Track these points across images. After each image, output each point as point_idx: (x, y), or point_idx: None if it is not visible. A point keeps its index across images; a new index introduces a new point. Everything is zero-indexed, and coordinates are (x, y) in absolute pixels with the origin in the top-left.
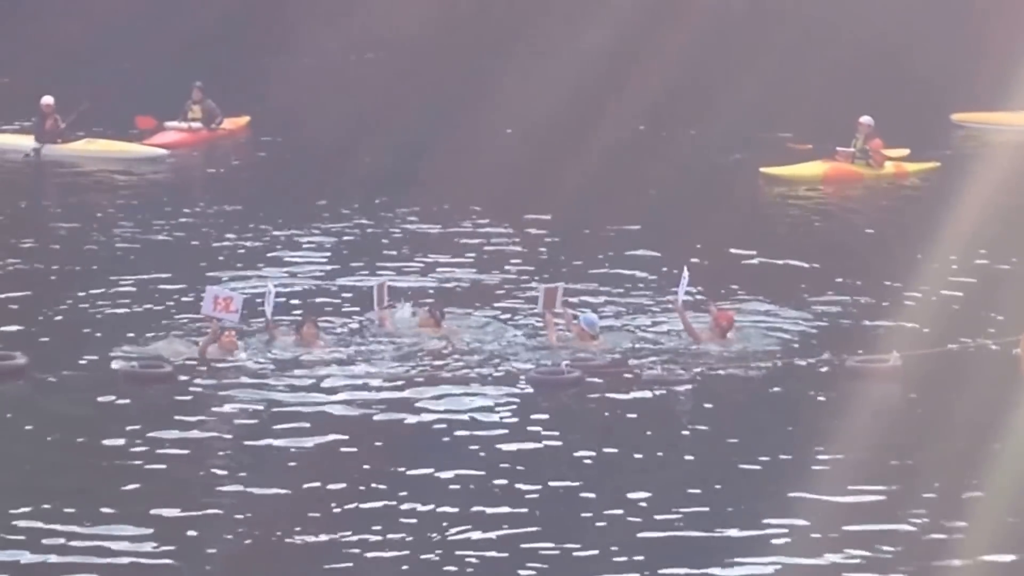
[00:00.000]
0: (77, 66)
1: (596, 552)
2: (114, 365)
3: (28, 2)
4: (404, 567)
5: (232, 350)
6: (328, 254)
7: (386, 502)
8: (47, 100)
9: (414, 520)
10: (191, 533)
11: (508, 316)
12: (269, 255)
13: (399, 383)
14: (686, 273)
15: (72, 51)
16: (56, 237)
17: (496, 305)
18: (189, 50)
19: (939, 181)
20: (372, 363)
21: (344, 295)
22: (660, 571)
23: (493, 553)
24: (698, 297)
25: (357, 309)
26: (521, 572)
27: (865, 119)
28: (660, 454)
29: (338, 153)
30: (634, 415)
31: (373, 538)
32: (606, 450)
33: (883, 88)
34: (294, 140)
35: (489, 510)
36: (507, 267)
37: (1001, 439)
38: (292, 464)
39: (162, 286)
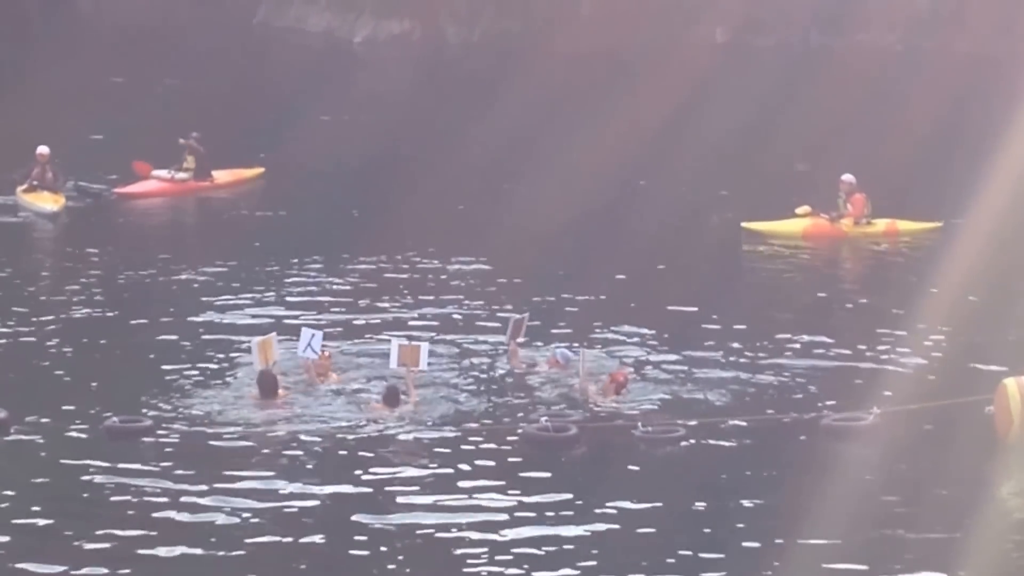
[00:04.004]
0: (101, 116)
1: None
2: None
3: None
4: None
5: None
6: (297, 302)
7: (374, 561)
8: (43, 150)
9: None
10: None
11: (495, 361)
12: (243, 305)
13: (377, 434)
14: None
15: (98, 101)
16: (32, 288)
17: (480, 348)
18: (201, 105)
19: (931, 241)
20: (350, 413)
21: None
22: None
23: None
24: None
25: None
26: None
27: (846, 177)
28: (631, 511)
29: (324, 207)
30: (616, 472)
31: None
32: (588, 508)
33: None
34: (285, 193)
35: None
36: (488, 315)
37: (978, 497)
38: (271, 519)
39: (140, 339)
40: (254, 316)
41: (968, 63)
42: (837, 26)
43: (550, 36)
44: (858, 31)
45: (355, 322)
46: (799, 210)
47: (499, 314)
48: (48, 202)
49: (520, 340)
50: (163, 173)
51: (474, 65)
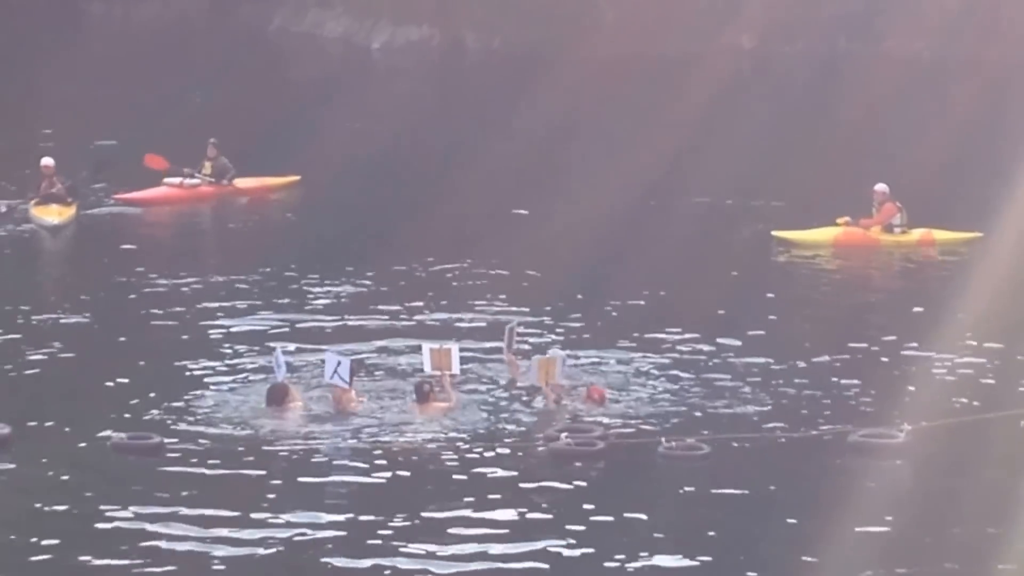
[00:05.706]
0: (113, 123)
1: None
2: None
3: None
4: None
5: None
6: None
7: None
8: (47, 162)
9: None
10: None
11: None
12: (246, 319)
13: (396, 450)
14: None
15: (109, 109)
16: (37, 302)
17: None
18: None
19: (965, 251)
20: (366, 429)
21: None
22: None
23: None
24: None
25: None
26: None
27: (880, 186)
28: (653, 528)
29: (343, 215)
30: (639, 489)
31: None
32: (609, 525)
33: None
34: (304, 201)
35: None
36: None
37: (1014, 516)
38: (281, 538)
39: (149, 353)
40: (265, 327)
41: (999, 69)
42: (864, 33)
43: (573, 43)
44: (886, 38)
45: (373, 331)
46: (840, 220)
47: (521, 321)
48: (53, 214)
49: (514, 347)
50: (174, 180)
51: (495, 72)
